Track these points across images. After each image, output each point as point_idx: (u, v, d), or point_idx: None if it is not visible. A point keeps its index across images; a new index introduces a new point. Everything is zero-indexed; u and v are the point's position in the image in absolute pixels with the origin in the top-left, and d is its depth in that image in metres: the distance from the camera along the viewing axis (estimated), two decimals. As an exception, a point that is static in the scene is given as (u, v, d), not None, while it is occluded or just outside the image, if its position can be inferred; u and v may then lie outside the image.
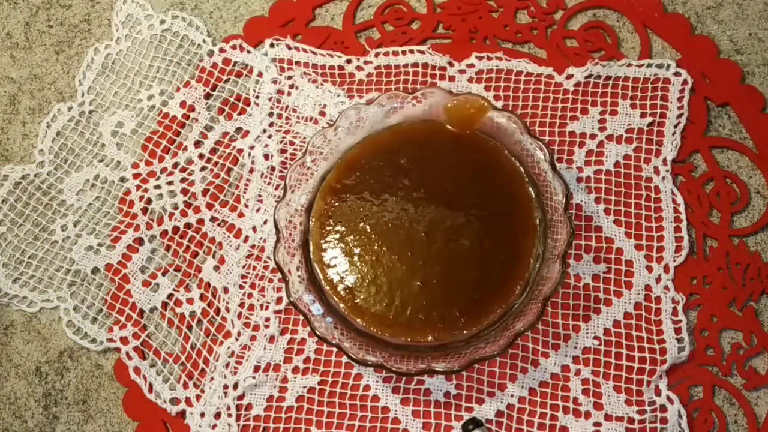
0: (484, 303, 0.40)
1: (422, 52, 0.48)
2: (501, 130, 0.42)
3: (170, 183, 0.47)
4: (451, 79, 0.48)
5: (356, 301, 0.41)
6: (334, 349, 0.43)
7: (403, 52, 0.48)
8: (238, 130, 0.48)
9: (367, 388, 0.43)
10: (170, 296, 0.46)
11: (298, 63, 0.49)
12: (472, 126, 0.43)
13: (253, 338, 0.44)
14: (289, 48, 0.49)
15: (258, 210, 0.46)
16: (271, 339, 0.44)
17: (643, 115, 0.45)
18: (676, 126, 0.45)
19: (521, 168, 0.42)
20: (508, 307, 0.40)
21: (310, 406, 0.43)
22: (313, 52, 0.49)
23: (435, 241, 0.41)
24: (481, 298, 0.40)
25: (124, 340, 0.45)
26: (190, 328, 0.45)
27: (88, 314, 0.46)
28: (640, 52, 0.47)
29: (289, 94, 0.48)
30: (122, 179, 0.48)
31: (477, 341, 0.40)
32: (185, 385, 0.44)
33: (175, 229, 0.47)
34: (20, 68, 0.51)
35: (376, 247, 0.42)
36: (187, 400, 0.44)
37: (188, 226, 0.47)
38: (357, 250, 0.42)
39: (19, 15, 0.52)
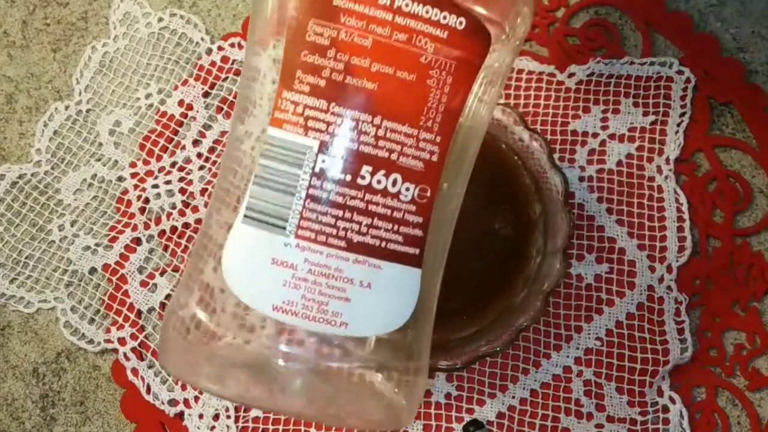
0: (485, 299, 0.40)
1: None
2: (497, 123, 0.42)
3: (168, 182, 0.47)
4: (452, 77, 0.47)
5: (356, 302, 0.41)
6: (334, 350, 0.43)
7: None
8: (237, 128, 0.48)
9: (367, 389, 0.42)
10: (168, 297, 0.45)
11: (297, 61, 0.48)
12: None
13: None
14: (288, 46, 0.48)
15: (257, 209, 0.46)
16: (270, 340, 0.44)
17: (645, 114, 0.45)
18: (679, 124, 0.44)
19: (519, 161, 0.42)
20: (510, 302, 0.40)
21: (310, 408, 0.42)
22: (312, 51, 0.48)
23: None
24: (483, 294, 0.40)
25: (121, 341, 0.45)
26: (188, 328, 0.45)
27: (86, 315, 0.46)
28: (643, 50, 0.46)
29: (288, 92, 0.48)
30: (120, 178, 0.47)
31: (479, 338, 0.40)
32: (183, 387, 0.44)
33: (174, 228, 0.46)
34: (17, 67, 0.51)
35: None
36: (186, 402, 0.43)
37: (186, 225, 0.46)
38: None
39: (16, 13, 0.51)
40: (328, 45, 0.27)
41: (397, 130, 0.27)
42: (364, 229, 0.27)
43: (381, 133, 0.27)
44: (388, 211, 0.27)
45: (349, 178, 0.27)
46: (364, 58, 0.27)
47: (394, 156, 0.27)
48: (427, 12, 0.27)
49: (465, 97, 0.28)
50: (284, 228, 0.27)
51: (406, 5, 0.27)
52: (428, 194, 0.28)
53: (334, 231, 0.27)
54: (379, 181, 0.27)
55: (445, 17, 0.27)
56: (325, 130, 0.27)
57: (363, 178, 0.27)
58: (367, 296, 0.27)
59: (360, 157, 0.27)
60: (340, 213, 0.27)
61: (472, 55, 0.28)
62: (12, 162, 0.49)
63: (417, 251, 0.28)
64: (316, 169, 0.27)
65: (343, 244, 0.27)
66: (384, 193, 0.27)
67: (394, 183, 0.27)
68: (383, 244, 0.27)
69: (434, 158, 0.28)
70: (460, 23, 0.27)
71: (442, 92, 0.28)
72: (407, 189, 0.28)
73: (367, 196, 0.27)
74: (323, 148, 0.27)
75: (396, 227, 0.28)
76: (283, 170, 0.27)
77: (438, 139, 0.28)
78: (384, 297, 0.28)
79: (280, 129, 0.27)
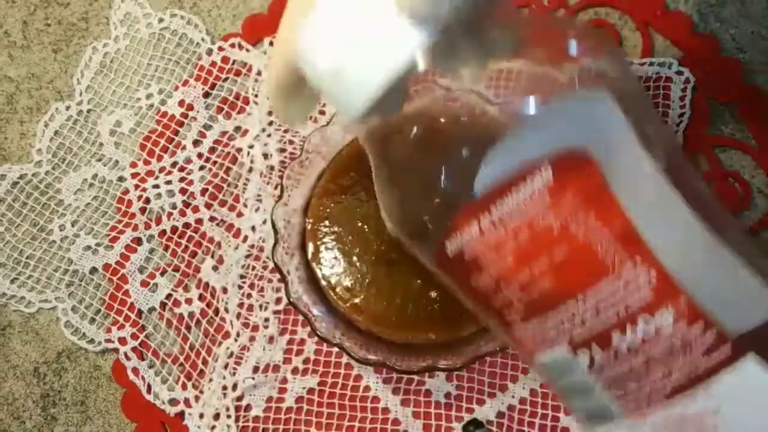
0: None
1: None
2: None
3: (169, 182, 0.47)
4: (452, 77, 0.47)
5: (356, 301, 0.41)
6: (334, 350, 0.43)
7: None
8: (237, 129, 0.48)
9: (367, 389, 0.42)
10: (169, 296, 0.45)
11: (297, 61, 0.48)
12: None
13: (252, 339, 0.44)
14: (289, 46, 0.49)
15: (257, 209, 0.46)
16: (270, 339, 0.44)
17: (645, 114, 0.45)
18: (678, 125, 0.44)
19: None
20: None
21: (310, 407, 0.43)
22: (312, 51, 0.48)
23: (436, 241, 0.41)
24: None
25: (122, 341, 0.45)
26: (188, 328, 0.45)
27: (86, 314, 0.46)
28: (642, 50, 0.46)
29: (288, 92, 0.48)
30: (120, 179, 0.47)
31: (479, 338, 0.40)
32: (184, 386, 0.44)
33: (174, 228, 0.46)
34: (18, 67, 0.51)
35: (374, 247, 0.41)
36: (186, 401, 0.43)
37: (187, 225, 0.46)
38: (356, 250, 0.41)
39: (17, 13, 0.52)
40: None
41: (607, 290, 0.25)
42: (667, 374, 0.25)
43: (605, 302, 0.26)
44: (669, 346, 0.25)
45: (622, 350, 0.25)
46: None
47: (631, 306, 0.25)
48: None
49: (619, 211, 0.26)
50: (612, 417, 0.26)
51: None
52: (682, 301, 0.25)
53: (648, 391, 0.25)
54: (639, 332, 0.25)
55: None
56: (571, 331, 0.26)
57: (628, 339, 0.25)
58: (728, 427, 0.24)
59: (611, 328, 0.25)
60: (639, 377, 0.25)
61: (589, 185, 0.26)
62: (13, 162, 0.49)
63: (726, 351, 0.24)
64: (595, 363, 0.26)
65: (662, 397, 0.25)
66: (654, 341, 0.25)
67: (649, 323, 0.25)
68: (694, 372, 0.25)
69: (654, 279, 0.25)
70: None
71: (604, 236, 0.25)
72: (664, 317, 0.25)
73: (647, 348, 0.25)
74: (583, 344, 0.26)
75: (689, 352, 0.25)
76: (572, 380, 0.27)
77: (640, 263, 0.25)
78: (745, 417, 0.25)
79: (545, 353, 0.27)
